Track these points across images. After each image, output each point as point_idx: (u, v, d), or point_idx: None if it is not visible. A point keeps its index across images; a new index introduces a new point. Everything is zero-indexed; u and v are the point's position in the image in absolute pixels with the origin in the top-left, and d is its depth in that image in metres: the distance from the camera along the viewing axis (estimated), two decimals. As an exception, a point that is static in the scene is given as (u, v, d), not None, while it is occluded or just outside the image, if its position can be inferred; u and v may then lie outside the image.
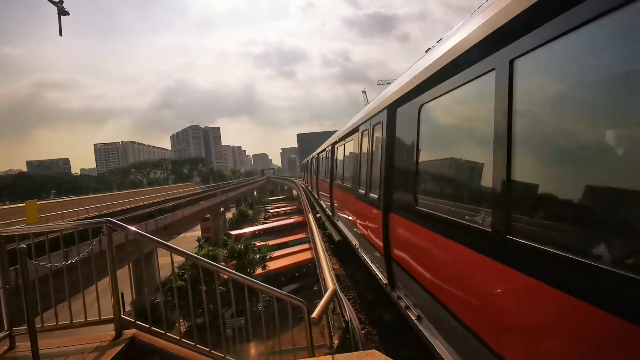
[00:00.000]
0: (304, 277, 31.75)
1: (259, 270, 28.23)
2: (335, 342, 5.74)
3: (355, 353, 2.97)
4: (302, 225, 40.02)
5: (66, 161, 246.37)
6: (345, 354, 2.96)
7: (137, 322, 3.92)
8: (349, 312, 6.55)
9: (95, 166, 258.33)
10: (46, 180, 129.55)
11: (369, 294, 8.05)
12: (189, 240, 49.02)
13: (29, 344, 2.86)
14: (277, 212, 64.97)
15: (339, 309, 6.96)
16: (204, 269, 4.15)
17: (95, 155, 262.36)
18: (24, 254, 2.73)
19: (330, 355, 2.95)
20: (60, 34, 8.72)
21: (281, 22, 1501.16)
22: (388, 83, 5.88)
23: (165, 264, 4.48)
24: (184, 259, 4.34)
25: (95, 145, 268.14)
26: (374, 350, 2.99)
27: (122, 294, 3.99)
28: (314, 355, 3.54)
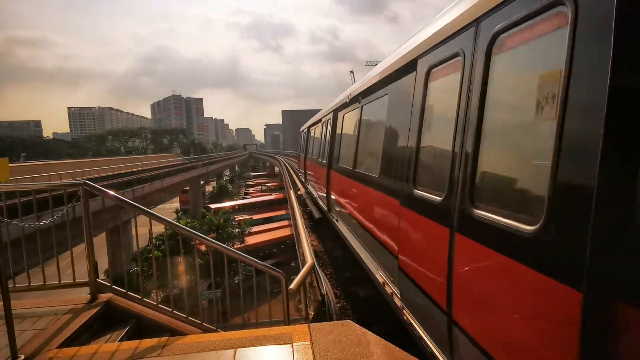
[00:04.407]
0: (282, 253, 32.10)
1: (237, 245, 28.29)
2: (311, 314, 5.91)
3: (331, 322, 3.07)
4: (283, 202, 40.04)
5: (37, 123, 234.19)
6: (321, 323, 3.06)
7: (114, 286, 3.89)
8: (326, 286, 6.72)
9: (69, 131, 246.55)
10: (16, 142, 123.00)
11: (346, 271, 8.24)
12: (167, 211, 48.34)
13: (1, 303, 2.79)
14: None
15: (315, 283, 7.12)
16: (183, 239, 4.12)
17: (69, 119, 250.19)
18: (-5, 210, 2.62)
19: (307, 324, 3.05)
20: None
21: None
22: (375, 64, 6.95)
23: (142, 234, 4.40)
24: (161, 230, 4.27)
25: (69, 108, 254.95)
26: (348, 320, 3.10)
27: (97, 263, 3.89)
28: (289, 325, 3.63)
